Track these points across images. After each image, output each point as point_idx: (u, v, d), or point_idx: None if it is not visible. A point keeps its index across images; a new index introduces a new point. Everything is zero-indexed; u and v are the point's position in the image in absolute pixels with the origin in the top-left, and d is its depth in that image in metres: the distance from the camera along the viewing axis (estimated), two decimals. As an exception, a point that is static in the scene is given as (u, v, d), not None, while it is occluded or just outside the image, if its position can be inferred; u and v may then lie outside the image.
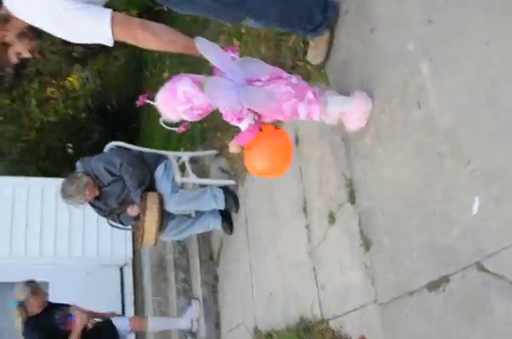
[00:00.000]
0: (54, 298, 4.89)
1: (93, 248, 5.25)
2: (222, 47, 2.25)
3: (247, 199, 3.92)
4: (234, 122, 2.26)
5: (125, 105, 9.38)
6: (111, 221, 4.23)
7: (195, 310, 4.46)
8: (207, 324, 4.35)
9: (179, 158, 4.35)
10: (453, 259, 1.88)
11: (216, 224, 4.19)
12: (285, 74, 2.27)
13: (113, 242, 5.31)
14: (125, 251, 5.35)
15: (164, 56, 6.78)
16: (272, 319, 3.32)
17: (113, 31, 2.17)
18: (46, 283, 5.11)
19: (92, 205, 4.12)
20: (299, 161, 3.01)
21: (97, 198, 4.05)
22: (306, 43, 2.94)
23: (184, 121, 2.34)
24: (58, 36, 2.26)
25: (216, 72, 2.24)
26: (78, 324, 4.18)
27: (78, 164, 4.07)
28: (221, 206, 4.05)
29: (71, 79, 8.77)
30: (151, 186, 4.00)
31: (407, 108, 2.13)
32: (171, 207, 3.93)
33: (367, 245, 2.39)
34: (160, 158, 4.12)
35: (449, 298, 1.89)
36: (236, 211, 4.08)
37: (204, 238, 4.68)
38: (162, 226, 3.96)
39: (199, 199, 4.03)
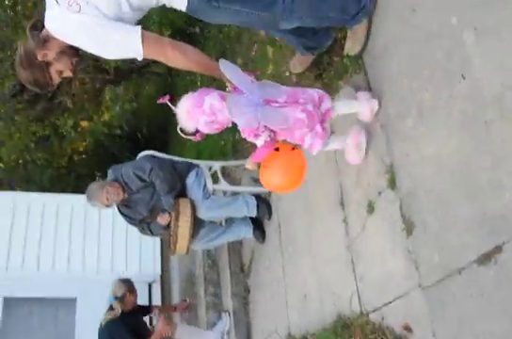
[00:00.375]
0: (81, 314, 4.83)
1: (121, 264, 5.19)
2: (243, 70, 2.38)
3: (279, 203, 3.86)
4: (251, 139, 2.42)
5: (156, 134, 9.50)
6: (140, 229, 4.17)
7: (225, 323, 4.34)
8: (238, 336, 4.22)
9: (210, 168, 4.33)
10: (505, 226, 1.80)
11: (247, 232, 4.12)
12: (302, 99, 2.40)
13: (141, 258, 5.25)
14: (154, 268, 5.28)
15: (195, 80, 6.86)
16: (307, 322, 3.20)
17: (143, 46, 2.29)
18: (74, 299, 5.05)
19: (121, 213, 4.07)
20: (335, 153, 2.96)
21: (126, 206, 4.02)
22: (343, 37, 2.94)
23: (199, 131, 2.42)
24: (94, 52, 2.37)
25: (236, 92, 2.36)
26: (160, 331, 4.34)
27: (109, 171, 4.07)
28: (253, 213, 3.99)
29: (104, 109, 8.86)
30: (182, 194, 3.96)
31: (450, 81, 2.10)
32: (203, 213, 3.88)
33: (409, 229, 2.32)
34: (191, 166, 4.10)
35: (502, 271, 1.80)
36: (269, 218, 4.01)
37: (235, 250, 4.61)
38: (193, 233, 3.90)
39: (230, 205, 3.98)
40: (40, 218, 5.25)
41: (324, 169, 3.11)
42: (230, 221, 4.20)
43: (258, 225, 4.12)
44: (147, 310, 4.71)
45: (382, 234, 2.50)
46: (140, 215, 3.99)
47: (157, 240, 5.42)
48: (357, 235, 2.73)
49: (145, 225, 4.08)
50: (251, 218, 4.13)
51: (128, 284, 4.48)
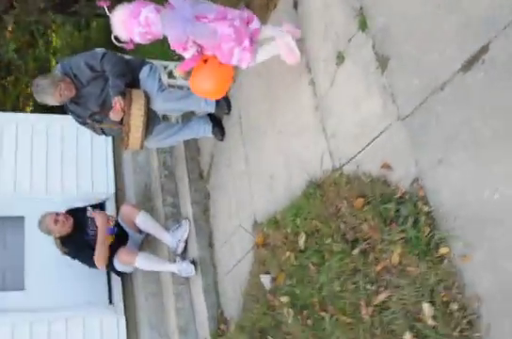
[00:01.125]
0: (30, 233, 4.59)
1: (72, 183, 4.91)
2: None
3: (239, 93, 3.68)
4: (180, 51, 2.61)
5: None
6: (91, 129, 3.91)
7: (185, 229, 4.16)
8: (199, 243, 4.07)
9: (165, 67, 4.10)
10: (489, 26, 1.70)
11: (206, 130, 3.93)
12: (230, 15, 2.57)
13: (93, 176, 4.97)
14: (107, 185, 5.01)
15: None
16: (275, 204, 3.08)
17: None
18: (22, 218, 4.78)
19: (70, 111, 3.79)
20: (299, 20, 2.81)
21: (76, 102, 3.72)
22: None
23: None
24: None
25: (170, 8, 2.55)
26: (100, 224, 4.21)
27: (57, 66, 3.79)
28: (212, 107, 3.79)
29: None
30: (134, 87, 3.69)
31: None
32: (159, 104, 3.63)
33: (384, 64, 2.21)
34: (144, 62, 3.85)
35: (491, 68, 1.69)
36: (228, 112, 3.83)
37: (193, 158, 4.42)
38: (148, 130, 3.69)
39: (188, 97, 3.74)
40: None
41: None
42: (187, 120, 4.00)
43: (217, 122, 3.93)
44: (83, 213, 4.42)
45: (355, 80, 2.39)
46: (90, 111, 3.73)
47: (110, 156, 5.15)
48: (325, 92, 2.60)
49: (96, 123, 3.80)
50: (209, 117, 3.94)
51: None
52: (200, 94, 3.16)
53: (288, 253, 2.82)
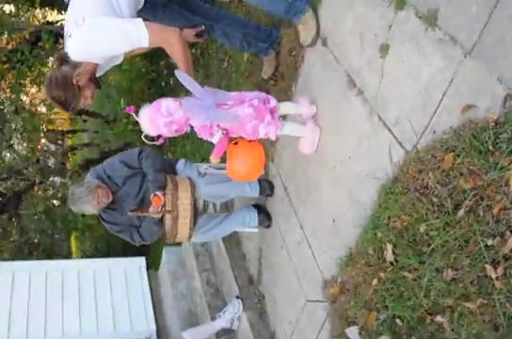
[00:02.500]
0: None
1: (109, 323, 4.41)
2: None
3: (279, 167, 3.55)
4: (207, 138, 2.79)
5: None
6: (128, 237, 3.59)
7: (236, 309, 3.66)
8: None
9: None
10: None
11: (252, 217, 3.69)
12: (248, 98, 2.76)
13: (131, 314, 4.49)
14: (147, 322, 4.48)
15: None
16: (344, 245, 2.73)
17: (149, 33, 2.61)
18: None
19: (105, 221, 3.55)
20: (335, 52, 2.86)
21: (111, 209, 3.51)
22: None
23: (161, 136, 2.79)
24: (108, 46, 2.70)
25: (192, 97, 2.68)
26: None
27: (88, 175, 3.66)
28: (256, 192, 3.63)
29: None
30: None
31: None
32: (201, 189, 3.46)
33: (433, 18, 2.15)
34: (178, 159, 3.82)
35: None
36: (272, 193, 3.66)
37: (239, 267, 4.08)
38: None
39: (231, 181, 3.62)
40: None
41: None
42: (228, 213, 3.80)
43: (261, 209, 3.72)
44: None
45: (406, 57, 2.30)
46: (128, 217, 3.46)
47: (146, 290, 4.74)
48: (376, 90, 2.50)
49: (134, 229, 3.55)
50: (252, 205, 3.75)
51: None
52: (238, 177, 3.19)
53: (375, 280, 2.38)
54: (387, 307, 2.34)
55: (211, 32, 3.22)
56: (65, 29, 2.82)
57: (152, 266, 5.64)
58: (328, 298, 2.81)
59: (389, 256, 2.30)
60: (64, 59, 2.79)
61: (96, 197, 3.35)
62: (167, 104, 2.72)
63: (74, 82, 2.74)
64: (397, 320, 2.27)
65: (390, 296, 2.30)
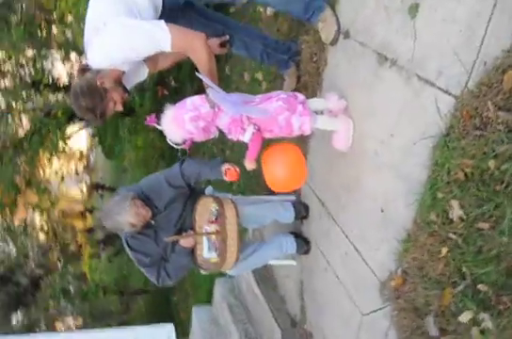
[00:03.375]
0: None
1: None
2: None
3: (312, 175, 3.32)
4: (239, 135, 2.58)
5: None
6: (155, 274, 3.17)
7: None
8: None
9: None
10: None
11: (289, 243, 3.40)
12: (274, 94, 2.65)
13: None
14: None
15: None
16: (397, 232, 2.44)
17: (172, 35, 2.57)
18: None
19: (132, 249, 3.13)
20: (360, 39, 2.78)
21: (144, 234, 3.11)
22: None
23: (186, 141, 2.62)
24: (132, 46, 2.61)
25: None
26: None
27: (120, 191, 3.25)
28: (291, 214, 3.38)
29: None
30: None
31: None
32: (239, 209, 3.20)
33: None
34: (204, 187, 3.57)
35: None
36: (307, 214, 3.39)
37: (279, 309, 3.68)
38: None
39: (262, 202, 3.39)
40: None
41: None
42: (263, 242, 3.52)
43: (297, 235, 3.44)
44: None
45: (440, 7, 2.19)
46: (162, 245, 3.13)
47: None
48: (411, 53, 2.35)
49: (162, 264, 3.19)
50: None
51: None
52: (281, 185, 2.85)
53: (445, 249, 2.08)
54: (463, 276, 2.00)
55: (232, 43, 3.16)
56: (84, 40, 2.77)
57: (180, 332, 5.13)
58: (391, 297, 2.45)
59: (456, 212, 2.01)
60: (85, 69, 2.74)
61: (133, 206, 2.92)
62: (192, 99, 2.59)
63: (99, 84, 2.64)
64: (480, 286, 1.93)
65: (466, 258, 1.97)
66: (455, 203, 2.02)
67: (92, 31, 2.67)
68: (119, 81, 2.75)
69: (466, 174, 1.98)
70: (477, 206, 1.93)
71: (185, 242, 3.12)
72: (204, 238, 3.15)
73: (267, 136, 2.69)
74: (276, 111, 2.58)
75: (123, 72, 2.78)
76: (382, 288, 2.56)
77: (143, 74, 3.08)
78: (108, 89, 2.68)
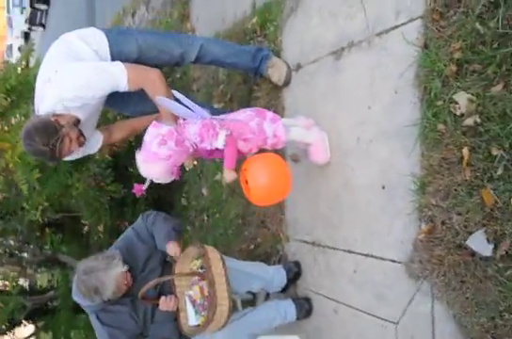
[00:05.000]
0: None
1: None
2: None
3: (295, 224, 3.01)
4: (212, 139, 2.38)
5: None
6: None
7: None
8: None
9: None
10: None
11: (287, 305, 2.88)
12: (243, 110, 2.57)
13: None
14: None
15: None
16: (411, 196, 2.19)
17: (128, 72, 2.57)
18: None
19: (104, 323, 2.61)
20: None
21: (120, 303, 2.66)
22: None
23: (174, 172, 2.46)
24: (93, 83, 2.53)
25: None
26: None
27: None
28: (281, 272, 2.97)
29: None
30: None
31: None
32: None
33: None
34: None
35: None
36: (299, 270, 2.99)
37: None
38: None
39: (249, 263, 2.98)
40: None
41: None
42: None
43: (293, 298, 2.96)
44: None
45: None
46: (141, 317, 2.65)
47: None
48: (367, 22, 2.45)
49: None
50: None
51: None
52: (265, 197, 2.51)
53: (466, 149, 1.86)
54: (496, 160, 1.73)
55: None
56: (35, 101, 2.68)
57: None
58: (422, 266, 2.05)
59: (463, 102, 1.86)
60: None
61: (117, 265, 2.59)
62: (147, 133, 2.38)
63: (53, 120, 2.53)
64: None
65: (492, 135, 1.74)
66: (458, 95, 1.87)
67: (44, 85, 2.60)
68: (74, 124, 2.62)
69: (457, 62, 1.87)
70: (480, 79, 1.79)
71: (165, 305, 2.63)
72: (188, 303, 2.68)
73: (242, 146, 2.50)
74: (246, 118, 2.48)
75: (79, 120, 2.65)
76: (409, 269, 2.15)
77: (97, 142, 2.95)
78: (63, 125, 2.55)
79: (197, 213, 4.46)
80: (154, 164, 2.37)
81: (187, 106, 2.40)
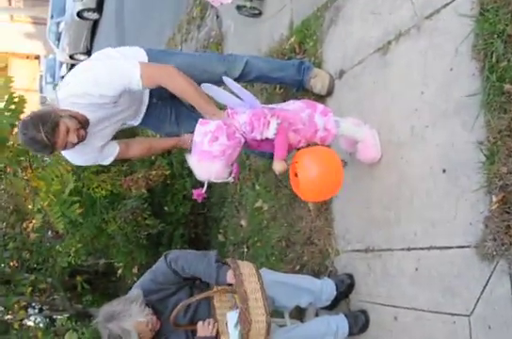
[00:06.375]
0: None
1: None
2: None
3: (345, 233, 2.83)
4: (263, 128, 2.28)
5: None
6: None
7: None
8: None
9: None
10: None
11: (339, 320, 2.65)
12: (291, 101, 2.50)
13: None
14: None
15: None
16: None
17: (141, 65, 2.50)
18: None
19: None
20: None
21: None
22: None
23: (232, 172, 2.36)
24: (102, 79, 2.46)
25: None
26: None
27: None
28: (329, 284, 2.77)
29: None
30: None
31: None
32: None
33: None
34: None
35: None
36: (352, 281, 2.79)
37: None
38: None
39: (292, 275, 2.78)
40: None
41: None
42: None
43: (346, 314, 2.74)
44: None
45: None
46: None
47: None
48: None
49: None
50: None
51: None
52: (314, 192, 2.38)
53: None
54: None
55: None
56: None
57: None
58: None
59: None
60: None
61: (143, 309, 2.45)
62: (195, 132, 2.29)
63: (52, 110, 2.43)
64: None
65: None
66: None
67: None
68: (79, 120, 2.48)
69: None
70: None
71: (202, 331, 2.46)
72: (230, 325, 2.48)
73: (292, 138, 2.39)
74: (296, 109, 2.39)
75: (87, 120, 2.53)
76: (481, 250, 1.95)
77: (111, 153, 2.84)
78: (62, 116, 2.42)
79: (235, 247, 4.29)
80: (210, 162, 2.26)
81: (235, 95, 2.33)
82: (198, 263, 2.52)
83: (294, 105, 2.43)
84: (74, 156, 2.80)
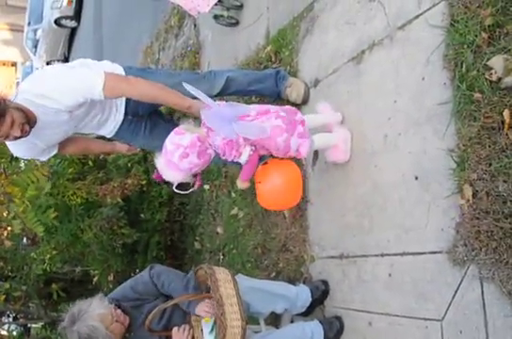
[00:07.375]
0: None
1: None
2: None
3: (318, 239, 2.86)
4: (233, 157, 2.33)
5: None
6: None
7: None
8: None
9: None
10: None
11: (314, 326, 2.67)
12: (273, 109, 2.41)
13: None
14: None
15: None
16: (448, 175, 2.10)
17: (105, 77, 2.43)
18: None
19: None
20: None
21: None
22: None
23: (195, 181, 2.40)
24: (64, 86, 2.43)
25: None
26: None
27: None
28: (305, 291, 2.79)
29: None
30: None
31: None
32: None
33: None
34: None
35: None
36: (327, 288, 2.80)
37: None
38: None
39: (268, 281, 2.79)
40: None
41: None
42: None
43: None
44: None
45: None
46: None
47: None
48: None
49: None
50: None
51: None
52: (274, 203, 2.55)
53: (507, 112, 1.80)
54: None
55: None
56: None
57: None
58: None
59: (498, 63, 1.79)
60: None
61: (103, 301, 2.51)
62: (168, 139, 2.29)
63: (1, 100, 2.33)
64: None
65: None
66: (493, 60, 1.83)
67: None
68: (27, 116, 2.40)
69: (489, 28, 1.86)
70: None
71: (177, 336, 2.48)
72: (205, 331, 2.50)
73: (262, 152, 2.43)
74: (274, 132, 2.32)
75: (35, 118, 2.46)
76: (452, 256, 1.99)
77: (49, 153, 2.81)
78: (9, 106, 2.34)
79: (211, 254, 4.29)
80: (175, 172, 2.29)
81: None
82: (177, 284, 2.55)
83: (273, 123, 2.34)
84: (14, 148, 2.71)
